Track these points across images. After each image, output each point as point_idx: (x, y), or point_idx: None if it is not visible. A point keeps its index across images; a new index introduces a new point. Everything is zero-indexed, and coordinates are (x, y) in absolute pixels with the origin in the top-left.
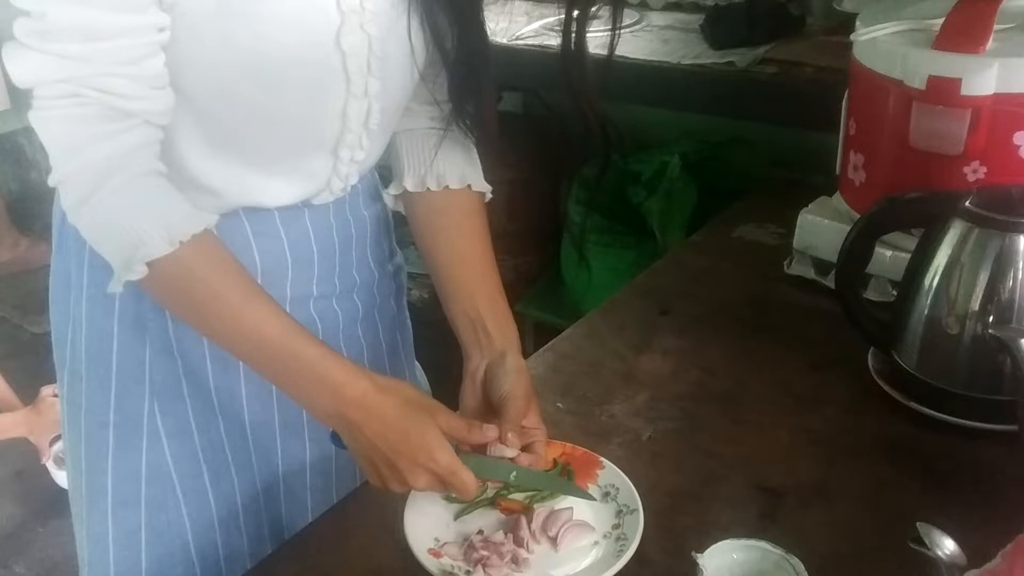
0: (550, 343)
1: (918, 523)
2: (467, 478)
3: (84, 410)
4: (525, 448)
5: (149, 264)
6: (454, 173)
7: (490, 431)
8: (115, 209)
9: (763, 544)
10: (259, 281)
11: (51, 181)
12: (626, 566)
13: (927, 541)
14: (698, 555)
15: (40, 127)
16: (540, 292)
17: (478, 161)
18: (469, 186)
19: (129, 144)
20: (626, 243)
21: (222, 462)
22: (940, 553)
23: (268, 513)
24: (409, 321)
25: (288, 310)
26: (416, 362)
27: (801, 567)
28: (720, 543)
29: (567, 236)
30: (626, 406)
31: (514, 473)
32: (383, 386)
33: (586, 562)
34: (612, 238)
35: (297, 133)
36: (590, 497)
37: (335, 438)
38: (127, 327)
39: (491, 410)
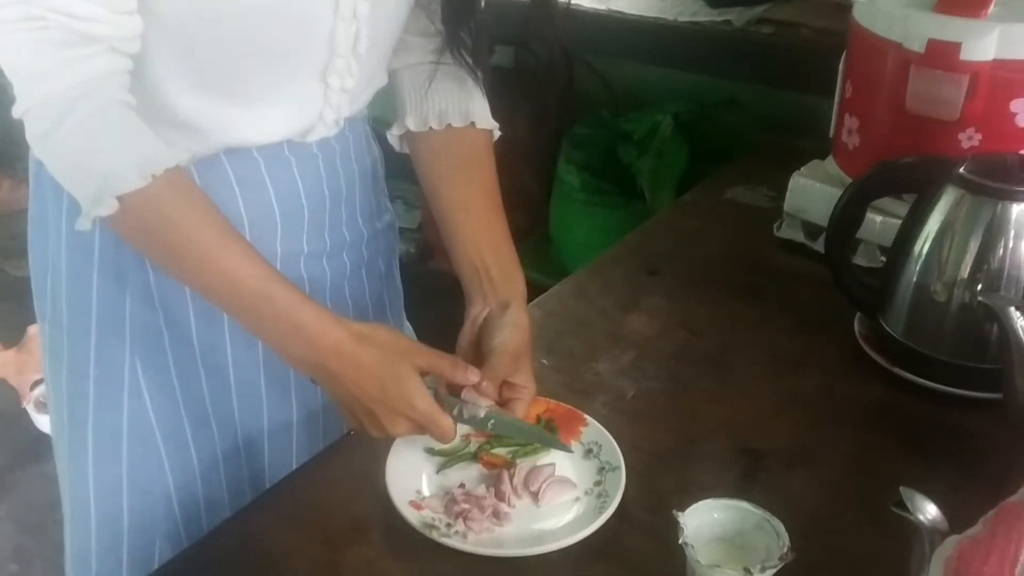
0: (536, 299)
1: (901, 488)
2: (445, 424)
3: (65, 362)
4: (506, 404)
5: (119, 199)
6: (456, 110)
7: (472, 375)
8: (83, 140)
9: (744, 504)
10: (247, 235)
11: (15, 112)
12: (607, 523)
13: (909, 506)
14: (679, 513)
15: (2, 54)
16: (528, 250)
17: (483, 97)
18: (473, 124)
19: (96, 71)
20: (615, 203)
21: (203, 416)
22: (922, 518)
23: (249, 468)
24: (399, 281)
25: (279, 268)
26: (407, 322)
27: (782, 528)
28: (701, 502)
29: (556, 195)
30: (611, 365)
31: (492, 421)
32: (359, 334)
33: (568, 517)
34: (601, 198)
35: (283, 58)
36: (568, 449)
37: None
38: (107, 277)
39: (482, 358)
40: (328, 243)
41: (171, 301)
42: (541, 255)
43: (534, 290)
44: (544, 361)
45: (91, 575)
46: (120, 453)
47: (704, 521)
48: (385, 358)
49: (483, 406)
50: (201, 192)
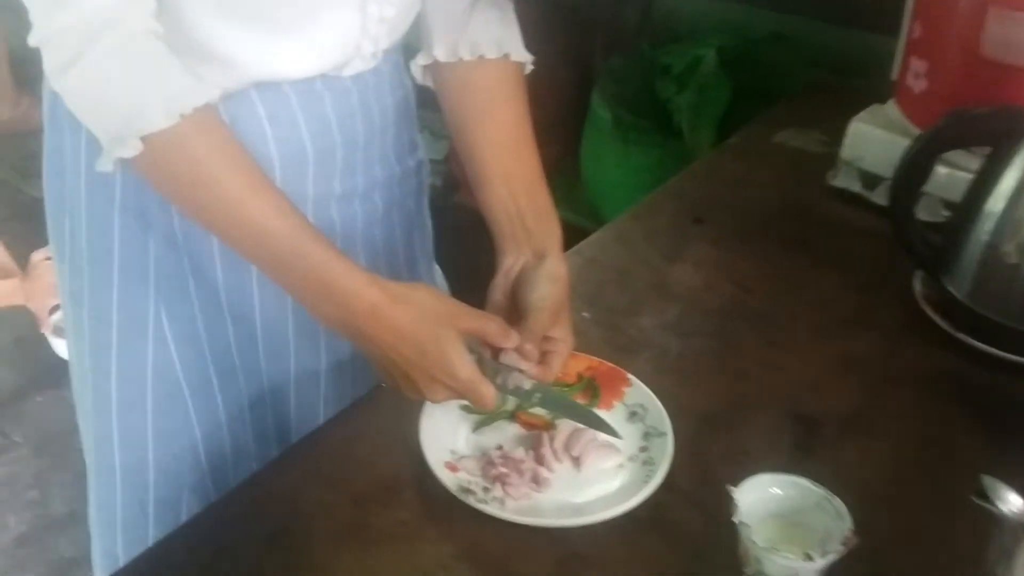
0: (577, 246)
1: (983, 476)
2: (487, 392)
3: (86, 308)
4: (542, 358)
5: (144, 139)
6: (490, 39)
7: (513, 337)
8: (105, 74)
9: (803, 481)
10: (277, 177)
11: (32, 40)
12: (652, 493)
13: (992, 496)
14: (733, 488)
15: None
16: (558, 188)
17: (516, 25)
18: (507, 55)
19: None
20: (651, 141)
21: (229, 365)
22: (1007, 510)
23: (275, 417)
24: (429, 221)
25: (310, 212)
26: (436, 265)
27: (844, 509)
28: (756, 477)
29: (589, 130)
30: (655, 319)
31: (538, 395)
32: (396, 295)
33: (611, 486)
34: (636, 135)
35: None
36: (616, 434)
37: None
38: (129, 219)
39: (518, 314)
40: (361, 183)
41: (196, 246)
42: (571, 193)
43: (563, 230)
44: (585, 314)
45: (116, 527)
46: (145, 403)
47: (759, 497)
48: (424, 322)
49: (528, 379)
50: (231, 135)
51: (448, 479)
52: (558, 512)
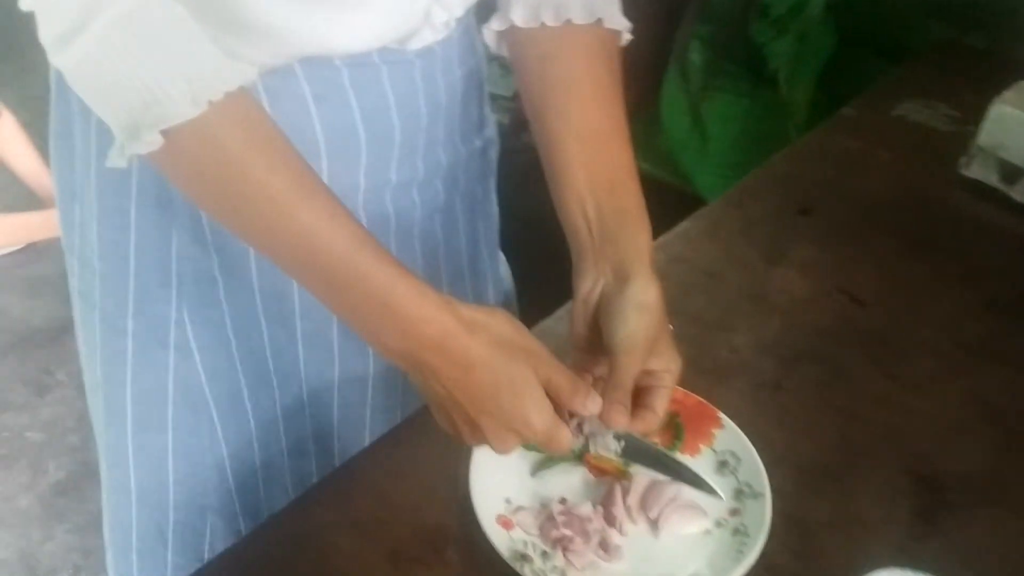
0: (661, 239)
1: None
2: (564, 437)
3: (99, 310)
4: (642, 393)
5: (164, 133)
6: (578, 1)
7: (593, 403)
8: (114, 49)
9: None
10: (324, 168)
11: (23, 3)
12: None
13: None
14: None
15: None
16: (633, 134)
17: None
18: (599, 21)
19: None
20: (740, 89)
21: (263, 373)
22: None
23: (315, 424)
24: (496, 207)
25: (360, 205)
26: (500, 252)
27: None
28: (876, 573)
29: (673, 71)
30: (752, 337)
31: (622, 443)
32: (471, 323)
33: (694, 561)
34: (725, 81)
35: None
36: (715, 493)
37: None
38: (148, 211)
39: (601, 349)
40: (421, 170)
41: (227, 241)
42: (649, 142)
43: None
44: (669, 326)
45: (131, 551)
46: (165, 420)
47: None
48: (500, 356)
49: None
50: (271, 124)
51: (500, 540)
52: None
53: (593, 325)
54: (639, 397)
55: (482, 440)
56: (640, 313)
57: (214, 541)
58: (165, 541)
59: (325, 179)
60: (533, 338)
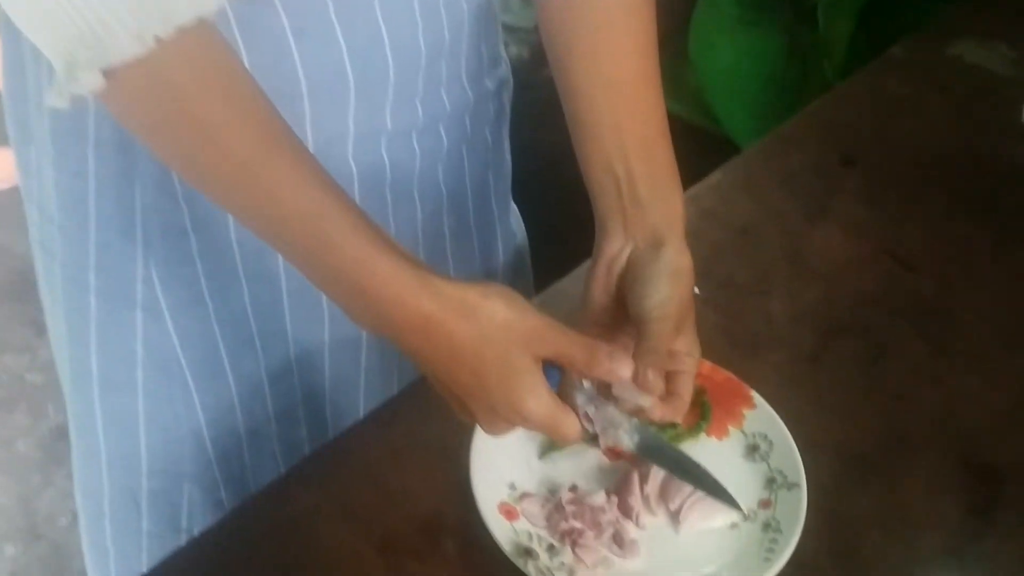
0: (691, 191)
1: None
2: (569, 426)
3: (59, 263)
4: (668, 390)
5: (106, 72)
6: None
7: (623, 366)
8: None
9: None
10: (306, 112)
11: None
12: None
13: None
14: None
15: None
16: (663, 70)
17: None
18: None
19: None
20: (775, 23)
21: (244, 335)
22: None
23: (305, 387)
24: (508, 155)
25: (351, 154)
26: (512, 204)
27: None
28: None
29: (703, 3)
30: (788, 303)
31: (636, 437)
32: (458, 305)
33: (719, 558)
34: (759, 14)
35: None
36: (736, 506)
37: None
38: (107, 157)
39: (625, 319)
40: (421, 115)
41: (199, 193)
42: (676, 79)
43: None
44: (695, 290)
45: (104, 520)
46: (135, 383)
47: None
48: (493, 345)
49: (625, 414)
50: (236, 66)
51: (502, 532)
52: None
53: (614, 293)
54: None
55: (475, 421)
56: (675, 280)
57: (192, 511)
58: (139, 509)
59: (308, 127)
60: (534, 313)
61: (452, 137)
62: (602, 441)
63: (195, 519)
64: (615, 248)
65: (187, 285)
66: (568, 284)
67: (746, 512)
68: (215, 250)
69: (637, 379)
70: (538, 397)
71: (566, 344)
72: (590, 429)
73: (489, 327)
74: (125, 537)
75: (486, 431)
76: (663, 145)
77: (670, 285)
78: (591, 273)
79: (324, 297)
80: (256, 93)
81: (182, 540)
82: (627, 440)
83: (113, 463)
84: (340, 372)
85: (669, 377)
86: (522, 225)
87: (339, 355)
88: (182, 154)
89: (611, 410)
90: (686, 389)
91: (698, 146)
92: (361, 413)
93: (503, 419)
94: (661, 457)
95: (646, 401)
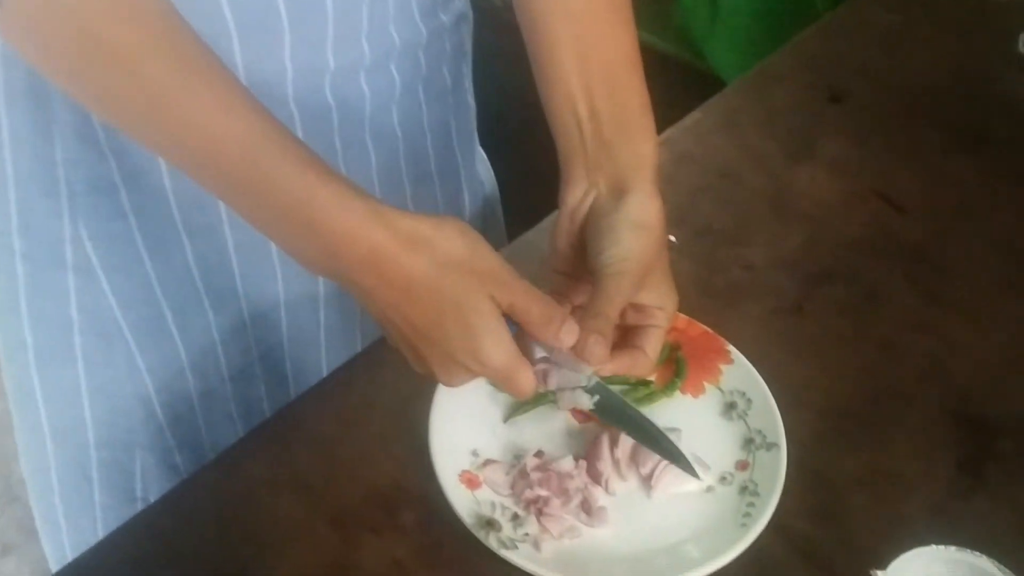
0: (665, 133)
1: None
2: (525, 380)
3: None
4: (630, 334)
5: None
6: None
7: (569, 334)
8: None
9: (985, 563)
10: (236, 49)
11: None
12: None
13: None
14: (879, 572)
15: None
16: (647, 4)
17: None
18: None
19: None
20: None
21: (189, 294)
22: None
23: (260, 345)
24: (471, 96)
25: (291, 95)
26: (479, 149)
27: None
28: (914, 554)
29: None
30: (770, 251)
31: (596, 398)
32: (410, 238)
33: (693, 523)
34: None
35: None
36: (696, 475)
37: None
38: (19, 105)
39: (587, 271)
40: (368, 52)
41: (126, 140)
42: (660, 12)
43: (650, 61)
44: (672, 238)
45: (53, 496)
46: (72, 351)
47: None
48: (450, 280)
49: (585, 375)
50: None
51: (462, 502)
52: (616, 563)
53: (578, 244)
54: (628, 338)
55: (429, 371)
56: (637, 233)
57: (146, 479)
58: (90, 481)
59: (239, 66)
60: (494, 255)
61: (405, 76)
62: (560, 401)
63: (150, 487)
64: (578, 195)
65: (121, 243)
66: (536, 236)
67: (711, 478)
68: (149, 203)
69: (576, 345)
70: (498, 343)
71: (525, 296)
72: (545, 386)
73: (446, 261)
74: (77, 511)
75: (444, 382)
76: (632, 81)
77: (631, 238)
78: (556, 222)
79: (275, 251)
80: (168, 13)
81: (137, 509)
82: (586, 400)
83: (58, 437)
84: (298, 329)
85: (633, 332)
86: (491, 173)
87: (296, 312)
88: (89, 83)
89: (569, 367)
90: (652, 345)
91: (684, 83)
92: (324, 371)
93: (460, 365)
94: (621, 419)
95: (584, 371)
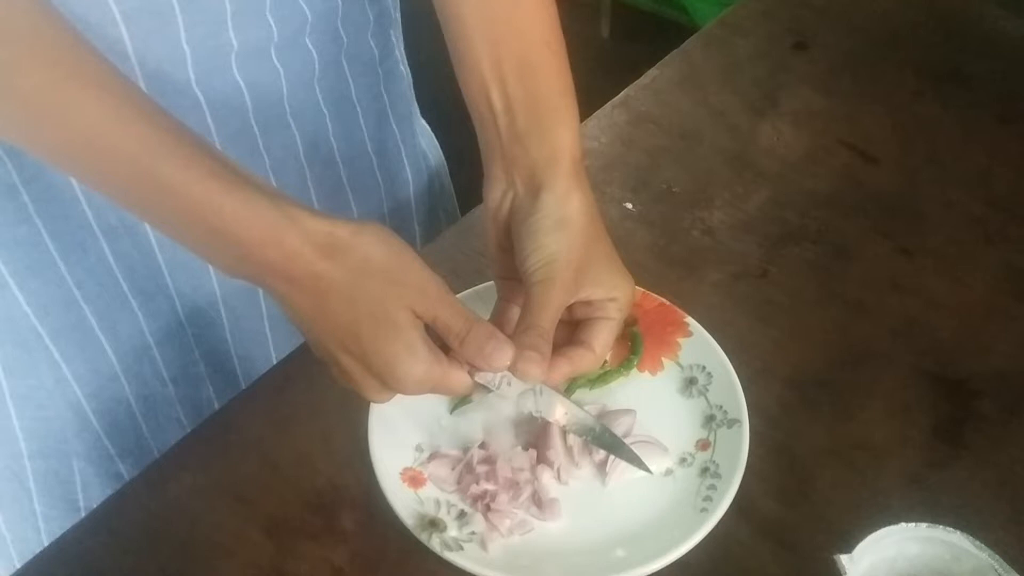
0: (620, 95)
1: None
2: (457, 382)
3: None
4: (581, 327)
5: None
6: None
7: (501, 354)
8: None
9: (959, 538)
10: (124, 36)
11: None
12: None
13: None
14: (843, 557)
15: None
16: None
17: None
18: None
19: None
20: None
21: (115, 295)
22: None
23: (202, 343)
24: (404, 65)
25: (192, 79)
26: (421, 121)
27: None
28: (882, 533)
29: None
30: (732, 213)
31: (539, 398)
32: (326, 243)
33: (650, 513)
34: None
35: None
36: (647, 469)
37: None
38: None
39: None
40: (276, 28)
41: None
42: None
43: (630, 14)
44: (628, 205)
45: None
46: None
47: (883, 558)
48: (365, 287)
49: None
50: None
51: (403, 503)
52: (570, 558)
53: (507, 245)
54: (575, 333)
55: (350, 382)
56: (558, 232)
57: (88, 489)
58: (28, 492)
59: (130, 54)
60: (419, 264)
61: (325, 50)
62: (523, 407)
63: (92, 496)
64: (496, 196)
65: (29, 247)
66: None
67: (670, 460)
68: (56, 205)
69: (513, 366)
70: (414, 355)
71: (448, 309)
72: (486, 386)
73: (363, 268)
74: (19, 521)
75: (366, 397)
76: (550, 64)
77: (552, 240)
78: (483, 224)
79: None
80: (40, 25)
81: (82, 517)
82: (530, 403)
83: None
84: (241, 324)
85: (580, 325)
86: (437, 146)
87: (235, 306)
88: None
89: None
90: (600, 340)
91: (664, 39)
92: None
93: (378, 380)
94: (569, 418)
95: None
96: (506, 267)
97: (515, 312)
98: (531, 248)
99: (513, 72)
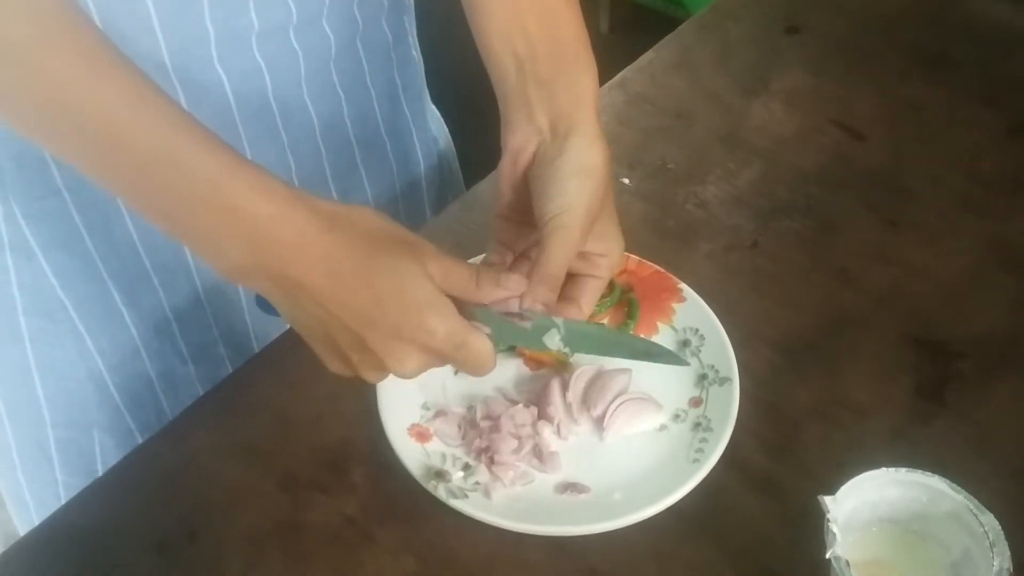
0: (617, 77)
1: None
2: (482, 348)
3: None
4: (573, 282)
5: None
6: None
7: (513, 283)
8: None
9: (936, 481)
10: (152, 14)
11: None
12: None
13: None
14: (827, 499)
15: None
16: None
17: None
18: None
19: None
20: None
21: (137, 270)
22: None
23: (220, 320)
24: (416, 50)
25: (215, 58)
26: (431, 106)
27: (999, 532)
28: (864, 477)
29: None
30: (724, 188)
31: (559, 335)
32: (330, 215)
33: (646, 463)
34: None
35: None
36: (683, 362)
37: (262, 302)
38: None
39: (534, 223)
40: (295, 10)
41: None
42: None
43: (631, 7)
44: (625, 180)
45: (17, 472)
46: (19, 331)
47: (865, 501)
48: (378, 251)
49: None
50: None
51: (412, 456)
52: (568, 505)
53: (521, 188)
54: (565, 288)
55: (377, 364)
56: (582, 180)
57: (107, 460)
58: (50, 460)
59: (158, 32)
60: (411, 233)
61: (341, 32)
62: (503, 332)
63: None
64: (519, 140)
65: (57, 219)
66: (486, 186)
67: (664, 416)
68: (83, 179)
69: (525, 298)
70: (443, 312)
71: (449, 264)
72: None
73: (368, 235)
74: (41, 488)
75: (397, 372)
76: (567, 13)
77: (577, 185)
78: (499, 167)
79: None
80: (67, 5)
81: None
82: (540, 337)
83: (14, 416)
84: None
85: (571, 281)
86: (444, 128)
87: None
88: None
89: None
90: (588, 297)
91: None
92: None
93: (406, 341)
94: (587, 341)
95: (530, 318)
96: (512, 207)
97: (506, 256)
98: (554, 192)
99: (534, 21)
